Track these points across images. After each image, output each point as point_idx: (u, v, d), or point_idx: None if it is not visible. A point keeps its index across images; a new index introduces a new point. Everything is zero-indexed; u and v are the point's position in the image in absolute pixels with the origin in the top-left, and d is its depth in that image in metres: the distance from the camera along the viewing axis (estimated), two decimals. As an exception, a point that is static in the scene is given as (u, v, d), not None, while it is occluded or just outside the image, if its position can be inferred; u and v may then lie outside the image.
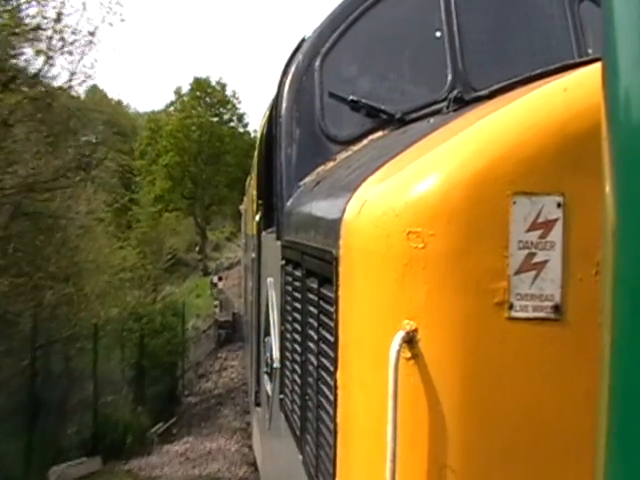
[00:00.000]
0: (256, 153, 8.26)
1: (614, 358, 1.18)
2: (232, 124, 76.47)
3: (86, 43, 18.87)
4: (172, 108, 75.89)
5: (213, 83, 74.88)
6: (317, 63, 4.88)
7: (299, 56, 4.98)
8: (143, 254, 67.46)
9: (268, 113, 6.66)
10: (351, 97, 4.73)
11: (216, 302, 46.29)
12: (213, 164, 71.67)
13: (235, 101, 76.02)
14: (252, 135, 70.38)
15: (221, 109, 75.02)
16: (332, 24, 4.98)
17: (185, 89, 75.06)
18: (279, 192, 4.95)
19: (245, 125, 76.80)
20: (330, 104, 4.82)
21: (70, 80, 19.52)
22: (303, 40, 5.13)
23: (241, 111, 76.86)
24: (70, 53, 19.41)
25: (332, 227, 3.01)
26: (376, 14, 4.98)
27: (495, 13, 4.92)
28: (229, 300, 46.31)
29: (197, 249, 73.75)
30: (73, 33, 19.34)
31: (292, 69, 4.98)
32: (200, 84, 73.56)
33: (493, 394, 2.31)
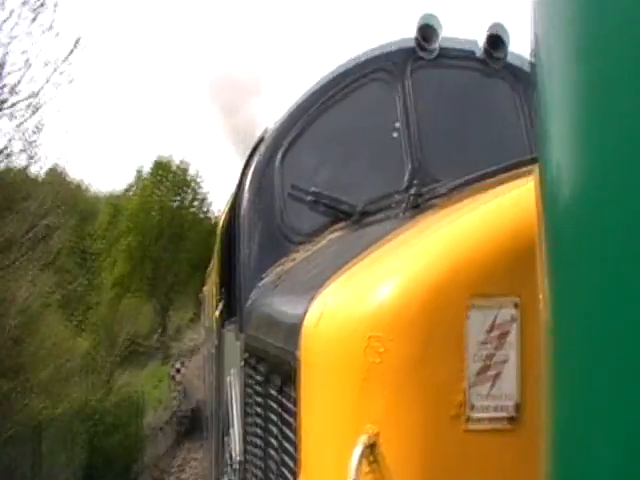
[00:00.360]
0: (217, 241, 8.27)
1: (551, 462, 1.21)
2: (194, 206, 74.91)
3: (29, 108, 17.45)
4: (132, 191, 74.03)
5: (176, 163, 72.95)
6: (278, 157, 4.95)
7: (260, 150, 5.04)
8: (98, 341, 66.21)
9: (229, 204, 6.70)
10: (312, 190, 4.79)
11: (175, 393, 44.65)
12: (175, 246, 69.86)
13: (198, 182, 74.08)
14: (215, 215, 68.28)
15: (183, 189, 73.07)
16: (292, 118, 5.06)
17: (147, 168, 73.10)
18: (240, 286, 4.94)
19: (207, 207, 75.46)
20: (291, 198, 4.87)
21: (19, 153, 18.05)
22: (264, 135, 5.21)
23: (204, 191, 75.42)
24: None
25: (293, 331, 3.01)
26: (335, 108, 5.08)
27: (450, 105, 5.06)
28: (190, 389, 44.02)
29: (157, 335, 70.23)
30: (12, 93, 17.85)
31: (253, 164, 5.03)
32: (162, 166, 72.20)
33: None
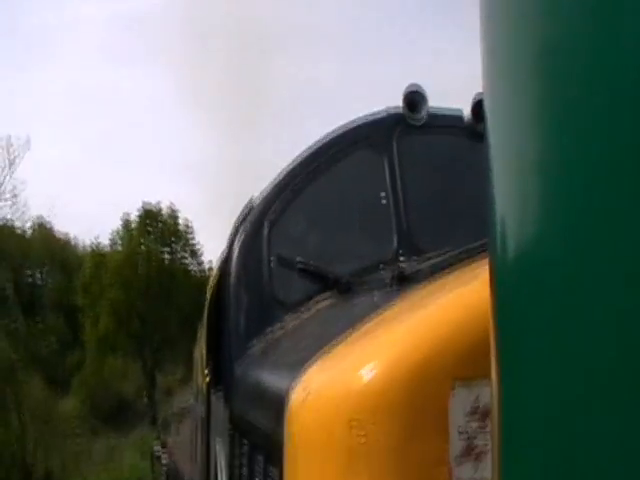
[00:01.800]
0: (206, 306, 8.25)
1: None
2: (184, 258, 68.84)
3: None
4: (118, 242, 67.36)
5: (164, 210, 66.63)
6: (264, 230, 4.98)
7: (247, 221, 5.08)
8: (81, 404, 61.11)
9: (218, 270, 6.71)
10: (298, 260, 4.82)
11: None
12: (163, 301, 63.53)
13: (188, 232, 67.78)
14: (207, 267, 62.49)
15: (172, 239, 67.21)
16: (278, 190, 5.11)
17: (134, 215, 66.12)
18: (227, 356, 4.94)
19: (199, 258, 68.74)
20: (278, 268, 4.90)
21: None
22: (251, 205, 5.25)
23: (195, 242, 68.46)
24: None
25: (277, 410, 3.02)
26: (322, 179, 5.13)
27: (438, 176, 5.12)
28: (178, 470, 40.51)
29: (145, 397, 64.09)
30: None
31: (240, 233, 5.07)
32: (150, 215, 66.13)
33: None
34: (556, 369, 1.07)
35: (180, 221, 66.91)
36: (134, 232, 65.20)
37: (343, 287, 4.63)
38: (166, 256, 67.22)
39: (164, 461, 35.70)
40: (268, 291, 4.86)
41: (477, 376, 2.32)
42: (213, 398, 6.88)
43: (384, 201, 5.03)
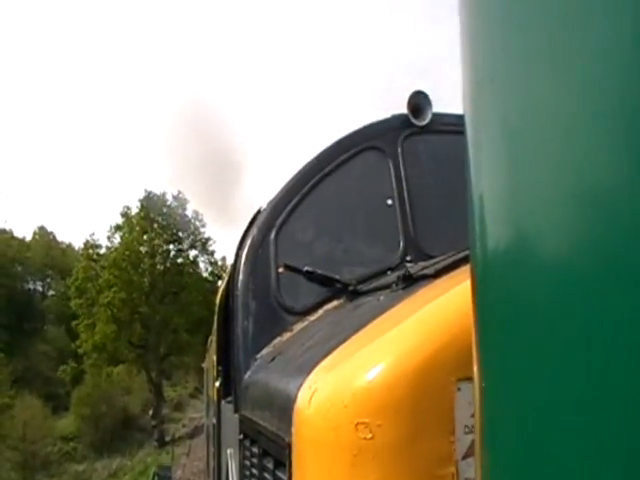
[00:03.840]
0: (216, 315, 8.28)
1: None
2: (194, 252, 60.24)
3: None
4: (117, 237, 57.87)
5: (170, 201, 58.46)
6: (272, 235, 5.00)
7: (254, 229, 5.10)
8: (80, 423, 56.94)
9: (227, 278, 6.74)
10: (306, 268, 4.83)
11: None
12: (170, 303, 55.99)
13: (197, 224, 59.36)
14: (220, 264, 57.47)
15: (179, 232, 58.44)
16: (286, 196, 5.14)
17: (136, 206, 58.21)
18: (236, 364, 4.95)
19: (211, 254, 60.30)
20: (285, 275, 4.91)
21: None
22: (258, 212, 5.27)
23: (205, 235, 59.93)
24: None
25: (285, 414, 3.02)
26: (329, 184, 5.16)
27: (443, 178, 5.12)
28: None
29: (150, 412, 55.77)
30: None
31: (248, 242, 5.09)
32: (153, 204, 57.38)
33: None
34: (536, 367, 1.09)
35: (189, 212, 59.31)
36: (135, 223, 57.03)
37: (351, 292, 4.64)
38: (173, 251, 59.08)
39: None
40: (276, 298, 4.87)
41: None
42: (223, 408, 6.89)
43: (390, 205, 5.05)
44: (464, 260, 3.17)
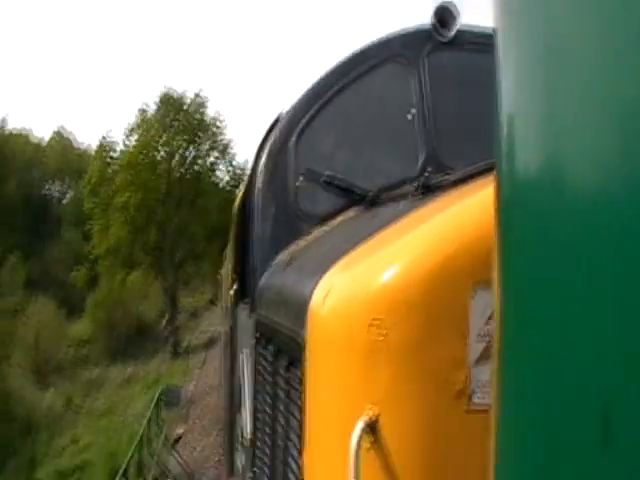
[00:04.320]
0: (233, 220, 8.31)
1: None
2: (214, 157, 55.63)
3: None
4: (134, 137, 53.22)
5: (189, 98, 53.72)
6: (292, 140, 4.98)
7: (275, 133, 5.07)
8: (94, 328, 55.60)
9: (246, 184, 6.74)
10: (325, 174, 4.82)
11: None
12: (187, 209, 53.01)
13: (218, 126, 54.67)
14: (241, 168, 52.42)
15: (199, 135, 54.30)
16: (307, 102, 5.09)
17: (153, 105, 53.42)
18: (253, 267, 5.00)
19: (231, 158, 55.59)
20: (305, 181, 4.90)
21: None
22: (279, 118, 5.24)
23: (226, 138, 55.11)
24: None
25: (299, 312, 3.06)
26: (350, 92, 5.10)
27: (466, 93, 5.05)
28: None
29: (164, 321, 54.08)
30: None
31: (267, 146, 5.07)
32: (172, 102, 53.04)
33: None
34: (561, 280, 1.06)
35: (210, 112, 54.21)
36: (152, 122, 52.57)
37: (369, 201, 4.64)
38: (191, 154, 54.77)
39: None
40: (294, 204, 4.87)
41: None
42: (239, 312, 6.99)
43: (412, 119, 5.00)
44: (484, 171, 3.16)
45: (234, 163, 55.42)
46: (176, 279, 54.75)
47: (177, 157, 53.92)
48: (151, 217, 51.64)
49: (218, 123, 54.65)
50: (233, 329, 7.91)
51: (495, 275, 1.28)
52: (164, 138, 52.54)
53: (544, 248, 1.10)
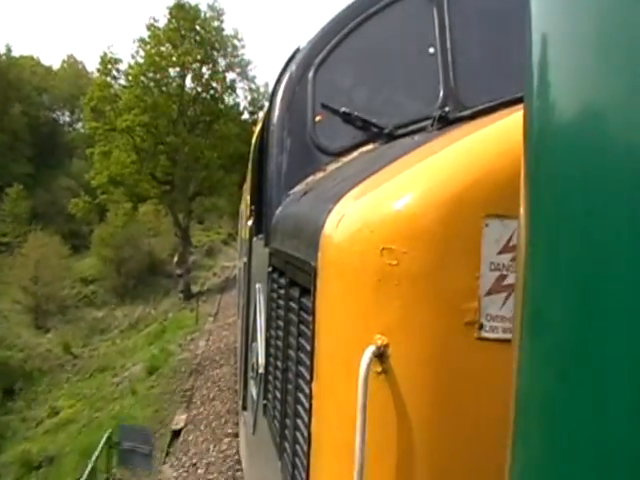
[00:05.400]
0: (251, 154, 8.30)
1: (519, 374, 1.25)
2: (231, 77, 49.75)
3: None
4: (141, 52, 46.52)
5: (204, 12, 47.95)
6: (310, 74, 4.94)
7: (292, 66, 5.04)
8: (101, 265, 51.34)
9: (262, 118, 6.72)
10: (343, 109, 4.79)
11: None
12: (202, 133, 47.43)
13: (236, 42, 49.15)
14: (261, 94, 48.86)
15: (216, 49, 48.08)
16: (326, 36, 5.04)
17: (164, 17, 47.92)
18: (268, 200, 5.01)
19: (249, 84, 50.31)
20: (322, 115, 4.87)
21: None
22: (297, 50, 5.19)
23: (244, 56, 50.02)
24: None
25: (312, 239, 3.07)
26: (370, 27, 5.04)
27: (489, 30, 4.96)
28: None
29: (175, 259, 48.53)
30: None
31: (285, 79, 5.04)
32: (183, 10, 46.64)
33: (461, 410, 2.36)
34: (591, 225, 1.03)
35: (227, 29, 50.00)
36: (162, 36, 46.40)
37: (387, 135, 4.61)
38: (206, 73, 48.56)
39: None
40: (311, 137, 4.85)
41: (513, 213, 2.32)
42: (255, 245, 7.02)
43: (432, 54, 4.93)
44: (502, 105, 3.12)
45: (253, 86, 50.24)
46: (188, 212, 49.18)
47: (191, 75, 47.81)
48: (160, 142, 45.87)
49: (236, 41, 48.73)
50: (249, 262, 7.97)
51: (521, 206, 1.26)
52: (176, 54, 46.22)
53: (576, 181, 1.07)
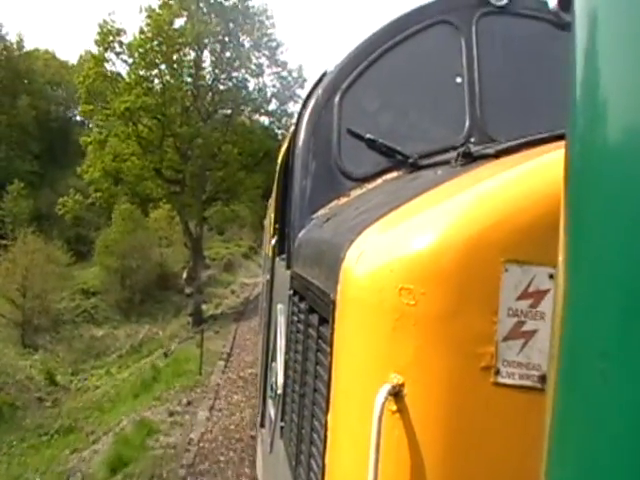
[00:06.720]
0: (277, 172, 8.36)
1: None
2: (259, 59, 39.95)
3: None
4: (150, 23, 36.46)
5: None
6: (337, 98, 4.98)
7: (319, 90, 5.08)
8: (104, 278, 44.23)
9: (290, 136, 6.77)
10: (368, 135, 4.82)
11: None
12: (219, 124, 39.08)
13: (263, 21, 39.43)
14: (293, 81, 39.98)
15: (239, 24, 38.65)
16: (354, 61, 5.08)
17: None
18: (292, 222, 5.04)
19: (283, 65, 40.36)
20: (347, 140, 4.90)
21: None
22: (324, 75, 5.23)
23: (273, 38, 39.81)
24: None
25: (332, 271, 3.08)
26: (398, 54, 5.08)
27: (516, 62, 4.98)
28: None
29: (184, 275, 39.36)
30: None
31: (312, 103, 5.08)
32: None
33: (475, 456, 2.35)
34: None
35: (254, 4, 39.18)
36: (174, 5, 37.54)
37: (411, 165, 4.63)
38: (228, 50, 39.11)
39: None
40: (336, 162, 4.89)
41: (533, 258, 2.32)
42: (277, 265, 7.06)
43: (459, 84, 4.95)
44: (528, 144, 3.12)
45: (283, 74, 40.30)
46: (202, 219, 40.51)
47: (208, 52, 38.62)
48: (168, 132, 36.93)
49: (265, 19, 39.34)
50: (271, 281, 8.01)
51: (560, 256, 1.21)
52: (191, 22, 37.41)
53: (623, 227, 1.00)
